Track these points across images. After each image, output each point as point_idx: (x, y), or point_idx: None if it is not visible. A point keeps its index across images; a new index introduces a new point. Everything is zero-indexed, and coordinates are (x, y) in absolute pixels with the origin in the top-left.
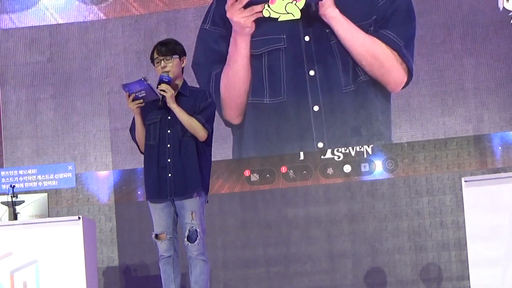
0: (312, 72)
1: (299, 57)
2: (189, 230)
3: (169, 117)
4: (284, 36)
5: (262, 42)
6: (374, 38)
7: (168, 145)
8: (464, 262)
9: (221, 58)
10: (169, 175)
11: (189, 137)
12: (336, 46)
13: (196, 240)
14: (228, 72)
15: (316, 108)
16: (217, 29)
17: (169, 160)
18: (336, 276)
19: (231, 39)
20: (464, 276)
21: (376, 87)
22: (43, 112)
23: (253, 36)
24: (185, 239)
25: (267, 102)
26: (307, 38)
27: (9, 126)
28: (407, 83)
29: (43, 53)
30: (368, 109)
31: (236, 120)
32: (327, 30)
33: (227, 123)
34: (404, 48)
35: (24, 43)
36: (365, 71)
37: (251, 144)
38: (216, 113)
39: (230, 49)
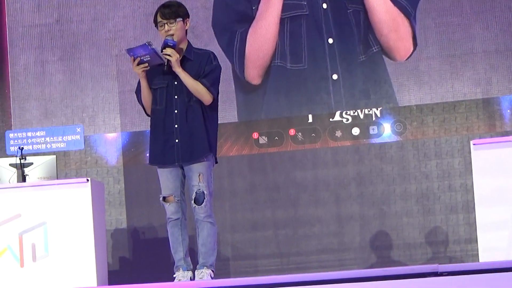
0: (331, 40)
1: (318, 25)
2: (196, 192)
3: (175, 83)
4: (305, 3)
5: (284, 7)
6: (392, 4)
7: (176, 111)
8: (472, 225)
9: (243, 18)
10: (176, 140)
11: (195, 102)
12: (353, 14)
13: (203, 202)
14: (256, 30)
15: (335, 76)
16: None
17: (176, 125)
18: (344, 239)
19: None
20: (472, 239)
21: (383, 57)
22: (51, 74)
23: None
24: (192, 201)
25: (289, 67)
26: (324, 6)
27: (18, 88)
28: (412, 53)
29: (51, 15)
30: (379, 77)
31: (256, 81)
32: None
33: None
34: (413, 17)
35: (32, 4)
36: (377, 40)
37: (270, 105)
38: (230, 73)
39: (260, 7)
